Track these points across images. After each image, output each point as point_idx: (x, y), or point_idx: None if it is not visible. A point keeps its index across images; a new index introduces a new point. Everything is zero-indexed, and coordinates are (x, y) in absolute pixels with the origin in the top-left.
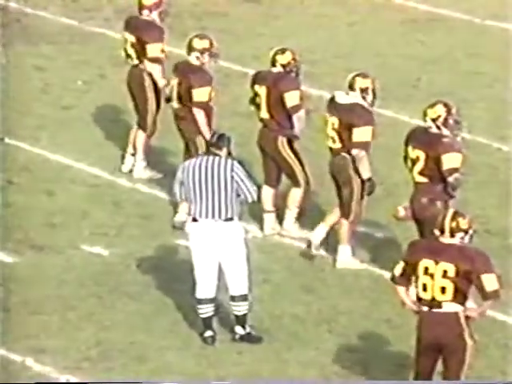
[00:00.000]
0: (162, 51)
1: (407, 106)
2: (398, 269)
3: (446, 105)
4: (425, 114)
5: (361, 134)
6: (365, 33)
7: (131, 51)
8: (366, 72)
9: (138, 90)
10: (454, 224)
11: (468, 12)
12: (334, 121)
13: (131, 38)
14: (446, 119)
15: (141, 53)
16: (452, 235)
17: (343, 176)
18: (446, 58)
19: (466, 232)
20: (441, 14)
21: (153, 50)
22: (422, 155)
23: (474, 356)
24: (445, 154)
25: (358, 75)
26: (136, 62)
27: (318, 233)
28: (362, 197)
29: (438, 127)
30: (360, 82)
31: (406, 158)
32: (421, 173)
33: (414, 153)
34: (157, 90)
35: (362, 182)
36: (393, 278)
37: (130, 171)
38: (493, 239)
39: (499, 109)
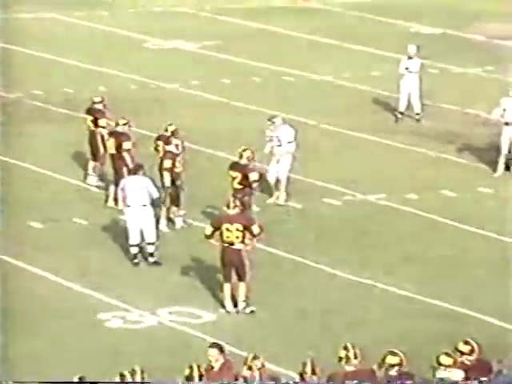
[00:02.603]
0: (107, 124)
1: (232, 150)
2: (208, 230)
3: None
4: (241, 155)
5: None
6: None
7: (90, 124)
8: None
9: (94, 142)
10: (234, 203)
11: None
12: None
13: (90, 117)
14: (252, 157)
15: (95, 124)
16: (234, 208)
17: None
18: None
19: (239, 207)
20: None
21: (101, 123)
22: (239, 175)
23: (249, 267)
24: (250, 173)
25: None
26: (93, 128)
27: (162, 226)
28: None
29: (249, 160)
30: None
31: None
32: (239, 183)
33: (234, 173)
34: (103, 142)
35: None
36: (206, 236)
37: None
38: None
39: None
